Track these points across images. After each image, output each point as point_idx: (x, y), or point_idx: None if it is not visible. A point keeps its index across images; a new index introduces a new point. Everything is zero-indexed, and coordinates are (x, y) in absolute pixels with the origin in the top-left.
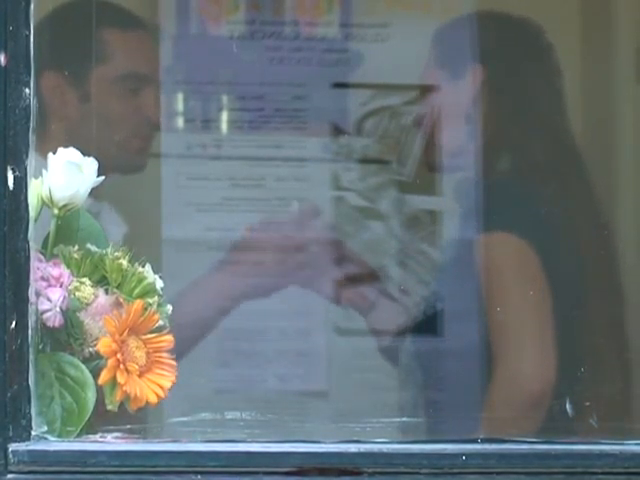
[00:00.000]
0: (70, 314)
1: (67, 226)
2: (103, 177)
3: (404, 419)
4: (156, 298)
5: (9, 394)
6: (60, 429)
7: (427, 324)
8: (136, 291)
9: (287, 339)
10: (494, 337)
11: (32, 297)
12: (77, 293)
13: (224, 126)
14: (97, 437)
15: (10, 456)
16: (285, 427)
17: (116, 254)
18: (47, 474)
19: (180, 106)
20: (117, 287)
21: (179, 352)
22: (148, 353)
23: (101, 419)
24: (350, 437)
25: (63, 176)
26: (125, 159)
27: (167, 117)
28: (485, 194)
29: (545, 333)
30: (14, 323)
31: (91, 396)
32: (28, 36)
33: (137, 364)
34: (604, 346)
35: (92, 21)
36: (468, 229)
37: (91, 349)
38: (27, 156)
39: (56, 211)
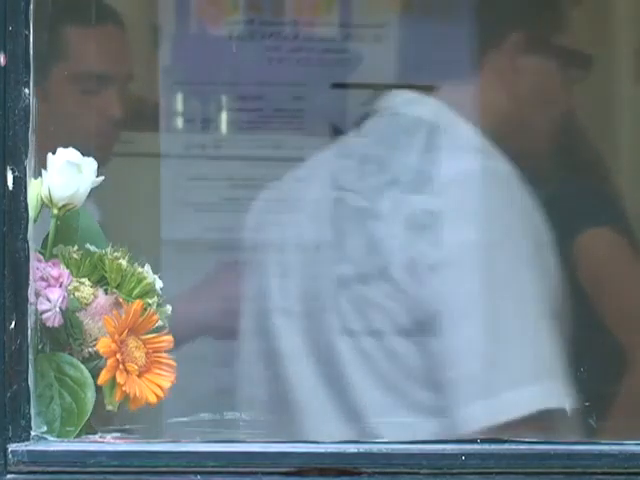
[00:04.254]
0: (69, 314)
1: (66, 226)
2: (103, 177)
3: (403, 419)
4: (155, 298)
5: (8, 394)
6: (59, 429)
7: (426, 324)
8: (135, 291)
9: None
10: (618, 328)
11: (31, 297)
12: (76, 293)
13: (223, 126)
14: (96, 437)
15: (9, 456)
16: (285, 427)
17: (115, 254)
18: (46, 474)
19: (179, 106)
20: (116, 287)
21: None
22: (147, 353)
23: (100, 419)
24: (349, 437)
25: (62, 176)
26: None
27: (166, 117)
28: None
29: None
30: (13, 323)
31: (90, 396)
32: (28, 36)
33: (136, 364)
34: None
35: (52, 17)
36: (468, 229)
37: (90, 349)
38: (26, 156)
39: (55, 211)
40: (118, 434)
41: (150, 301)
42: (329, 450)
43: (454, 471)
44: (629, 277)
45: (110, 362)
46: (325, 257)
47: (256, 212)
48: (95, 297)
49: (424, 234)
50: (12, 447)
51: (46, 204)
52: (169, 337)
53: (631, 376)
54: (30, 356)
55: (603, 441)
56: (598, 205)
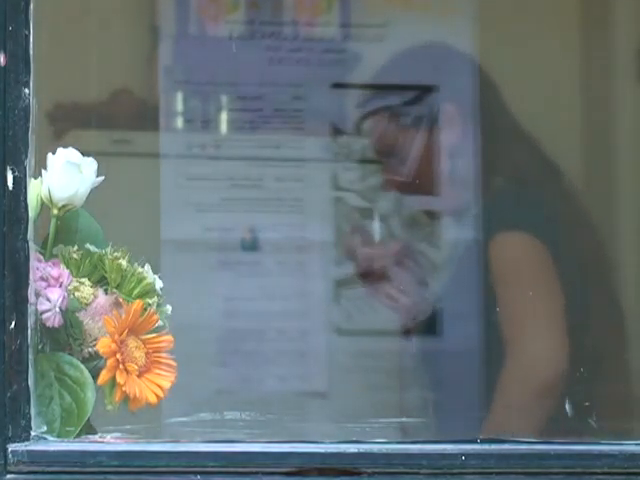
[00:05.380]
0: (69, 314)
1: (66, 226)
2: (103, 177)
3: (404, 419)
4: (155, 298)
5: (8, 394)
6: (59, 429)
7: (427, 324)
8: (135, 291)
9: (287, 339)
10: (507, 328)
11: (31, 297)
12: (76, 293)
13: (223, 126)
14: (97, 437)
15: (9, 456)
16: (285, 427)
17: (115, 254)
18: (46, 474)
19: (179, 106)
20: (116, 287)
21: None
22: (147, 353)
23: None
24: (350, 437)
25: (62, 176)
26: None
27: (166, 117)
28: (489, 195)
29: (558, 323)
30: (13, 323)
31: (90, 396)
32: (28, 36)
33: (136, 364)
34: (604, 346)
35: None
36: (468, 229)
37: (90, 349)
38: (26, 156)
39: (55, 211)
40: (118, 434)
41: (150, 301)
42: (329, 450)
43: (454, 471)
44: (529, 280)
45: (110, 362)
46: None
47: None
48: (95, 297)
49: None
50: (12, 447)
51: (46, 204)
52: (169, 337)
53: (510, 368)
54: (30, 356)
55: (603, 441)
56: (522, 210)
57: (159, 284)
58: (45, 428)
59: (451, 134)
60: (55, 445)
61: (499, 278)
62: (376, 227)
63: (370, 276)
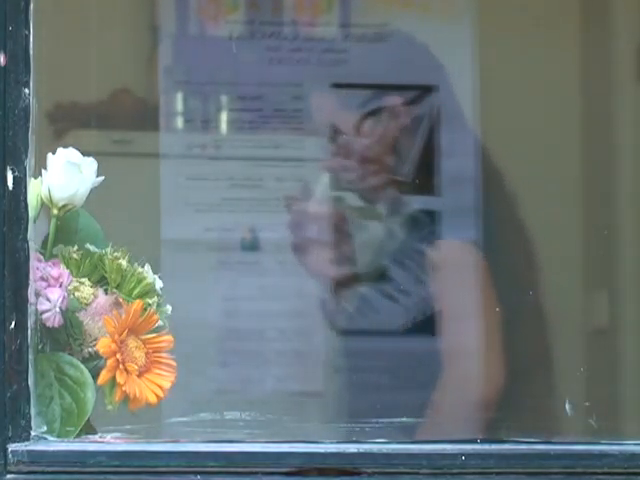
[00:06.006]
0: (69, 314)
1: (66, 226)
2: (103, 177)
3: (403, 419)
4: (155, 298)
5: (8, 394)
6: (59, 429)
7: (426, 324)
8: (135, 291)
9: (286, 339)
10: (444, 339)
11: (31, 297)
12: (76, 293)
13: (223, 126)
14: (96, 437)
15: (9, 456)
16: (284, 427)
17: (115, 254)
18: (46, 474)
19: (179, 106)
20: (116, 287)
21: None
22: (147, 353)
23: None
24: (349, 437)
25: (62, 176)
26: None
27: (166, 117)
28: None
29: (494, 338)
30: (13, 323)
31: (90, 396)
32: (28, 36)
33: (136, 364)
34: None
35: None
36: (468, 229)
37: (90, 349)
38: (26, 156)
39: (55, 211)
40: (118, 434)
41: (150, 301)
42: (329, 450)
43: (454, 471)
44: (464, 289)
45: (110, 362)
46: None
47: None
48: (95, 297)
49: None
50: (12, 447)
51: (46, 204)
52: (169, 337)
53: (447, 380)
54: (30, 356)
55: (603, 441)
56: (463, 216)
57: (159, 284)
58: (45, 428)
59: (395, 127)
60: (55, 445)
61: (436, 286)
62: (323, 187)
63: (297, 234)
